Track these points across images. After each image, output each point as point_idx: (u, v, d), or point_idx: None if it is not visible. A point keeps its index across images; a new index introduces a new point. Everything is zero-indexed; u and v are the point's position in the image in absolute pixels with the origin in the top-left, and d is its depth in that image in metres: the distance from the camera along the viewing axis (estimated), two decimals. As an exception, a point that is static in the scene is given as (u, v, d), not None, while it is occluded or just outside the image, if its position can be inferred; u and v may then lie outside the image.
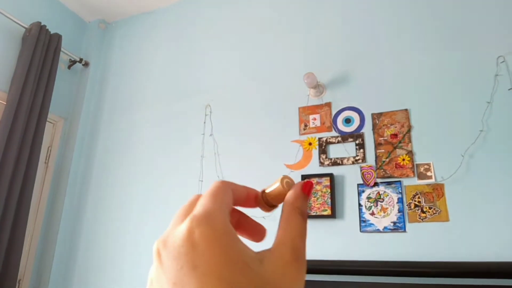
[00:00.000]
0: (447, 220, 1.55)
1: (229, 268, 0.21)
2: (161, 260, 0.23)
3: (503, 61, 1.67)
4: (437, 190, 1.60)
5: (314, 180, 1.82)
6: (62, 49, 2.52)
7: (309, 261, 1.65)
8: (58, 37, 2.49)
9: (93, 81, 2.75)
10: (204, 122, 2.25)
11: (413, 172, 1.67)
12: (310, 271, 1.63)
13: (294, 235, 0.26)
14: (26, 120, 2.20)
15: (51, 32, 2.46)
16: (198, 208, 0.24)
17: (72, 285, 2.25)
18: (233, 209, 0.28)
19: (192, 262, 0.21)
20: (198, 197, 0.27)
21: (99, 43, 2.87)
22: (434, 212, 1.58)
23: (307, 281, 1.60)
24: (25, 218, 2.10)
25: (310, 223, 1.78)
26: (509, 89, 1.61)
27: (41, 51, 2.34)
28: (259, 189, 0.31)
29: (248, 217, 0.31)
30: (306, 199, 0.28)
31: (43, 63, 2.36)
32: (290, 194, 0.28)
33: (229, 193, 0.26)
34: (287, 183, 0.29)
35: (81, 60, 2.72)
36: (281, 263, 0.24)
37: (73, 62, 2.71)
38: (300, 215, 0.27)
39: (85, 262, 2.27)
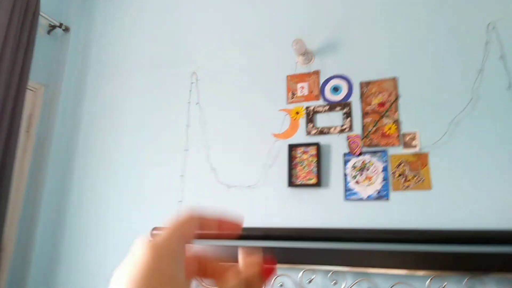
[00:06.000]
0: (429, 188, 1.56)
1: (153, 279, 0.24)
2: None
3: (493, 28, 1.64)
4: (422, 159, 1.61)
5: (301, 149, 1.81)
6: (40, 13, 2.41)
7: (295, 229, 1.68)
8: (36, 0, 2.37)
9: (75, 48, 2.64)
10: (190, 90, 2.20)
11: (399, 141, 1.66)
12: (295, 238, 1.65)
13: None
14: (6, 88, 2.12)
15: (28, -5, 2.34)
16: (157, 237, 0.28)
17: (60, 254, 2.25)
18: (194, 256, 0.31)
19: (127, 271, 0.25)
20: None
21: (80, 7, 2.75)
22: (418, 180, 1.59)
23: (293, 248, 1.63)
24: (7, 187, 2.07)
25: (296, 192, 1.79)
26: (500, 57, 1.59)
27: (19, 15, 2.23)
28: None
29: (213, 261, 0.33)
30: (261, 282, 0.28)
31: (21, 28, 2.25)
32: (249, 267, 0.29)
33: (193, 224, 0.30)
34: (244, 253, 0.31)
35: (61, 25, 2.60)
36: None
37: (52, 27, 2.59)
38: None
39: (73, 228, 2.27)
